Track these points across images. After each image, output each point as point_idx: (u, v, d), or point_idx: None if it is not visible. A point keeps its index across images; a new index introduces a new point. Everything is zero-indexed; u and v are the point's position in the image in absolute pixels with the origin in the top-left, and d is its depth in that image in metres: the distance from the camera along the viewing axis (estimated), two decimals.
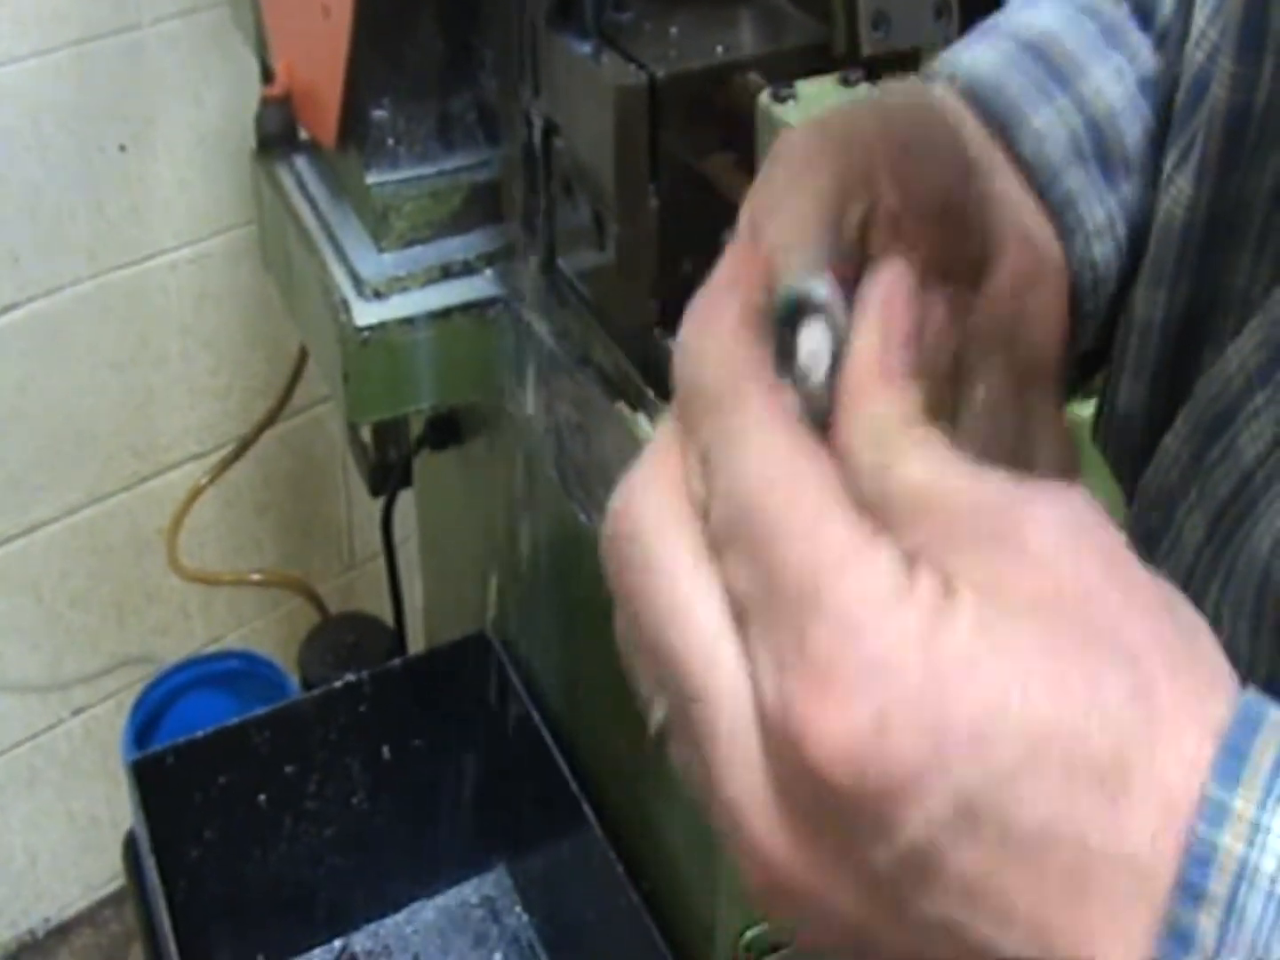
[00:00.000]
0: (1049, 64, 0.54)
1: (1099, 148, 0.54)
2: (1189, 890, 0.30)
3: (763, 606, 0.34)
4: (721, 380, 0.38)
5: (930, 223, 0.45)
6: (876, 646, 0.32)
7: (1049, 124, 0.53)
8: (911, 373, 0.37)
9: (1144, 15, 0.57)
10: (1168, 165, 0.52)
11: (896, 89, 0.55)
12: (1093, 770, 0.31)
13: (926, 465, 0.35)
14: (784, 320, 0.39)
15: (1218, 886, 0.30)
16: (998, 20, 0.58)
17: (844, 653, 0.32)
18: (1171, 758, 0.31)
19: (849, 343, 0.38)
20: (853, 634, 0.32)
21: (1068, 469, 0.50)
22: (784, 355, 0.39)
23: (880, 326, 0.38)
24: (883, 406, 0.36)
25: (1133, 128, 0.55)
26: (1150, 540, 0.49)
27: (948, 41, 1.02)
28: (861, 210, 0.44)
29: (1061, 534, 0.33)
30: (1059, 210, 0.53)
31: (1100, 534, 0.34)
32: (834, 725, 0.32)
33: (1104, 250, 0.54)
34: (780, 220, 0.43)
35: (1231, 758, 0.31)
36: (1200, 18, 0.52)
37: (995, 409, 0.48)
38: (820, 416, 0.38)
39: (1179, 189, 0.51)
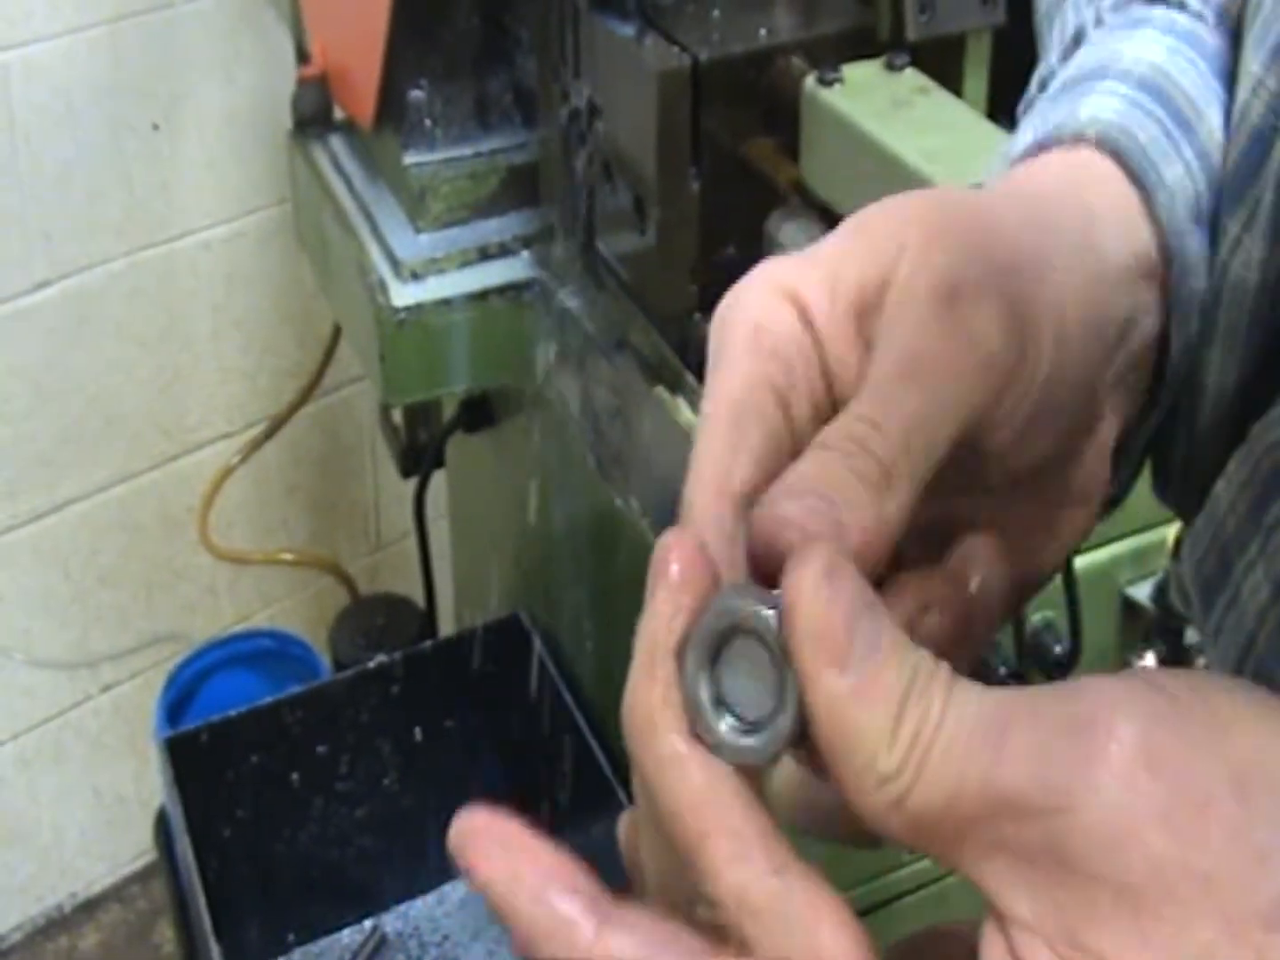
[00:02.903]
0: (1170, 107, 0.48)
1: (1214, 206, 0.48)
2: None
3: None
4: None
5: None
6: None
7: (1179, 181, 0.47)
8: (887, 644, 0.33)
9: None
10: (1234, 226, 0.47)
11: (1044, 191, 0.46)
12: None
13: (949, 779, 0.31)
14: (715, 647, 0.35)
15: None
16: (1096, 62, 0.51)
17: None
18: None
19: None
20: None
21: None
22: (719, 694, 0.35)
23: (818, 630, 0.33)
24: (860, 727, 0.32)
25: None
26: (1207, 590, 0.46)
27: (994, 27, 1.02)
28: (810, 386, 0.39)
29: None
30: (1174, 285, 0.47)
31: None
32: None
33: (1198, 323, 0.49)
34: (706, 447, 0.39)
35: None
36: (1254, 62, 0.47)
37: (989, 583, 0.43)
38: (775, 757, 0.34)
39: (1248, 251, 0.47)
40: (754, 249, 1.00)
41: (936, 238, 0.39)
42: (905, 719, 0.32)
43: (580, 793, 1.41)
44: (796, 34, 1.04)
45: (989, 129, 0.89)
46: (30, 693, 2.00)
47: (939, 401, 0.37)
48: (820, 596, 0.32)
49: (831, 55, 0.99)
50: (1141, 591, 1.15)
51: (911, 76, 0.95)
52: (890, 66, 0.95)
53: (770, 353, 0.38)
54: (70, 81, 1.73)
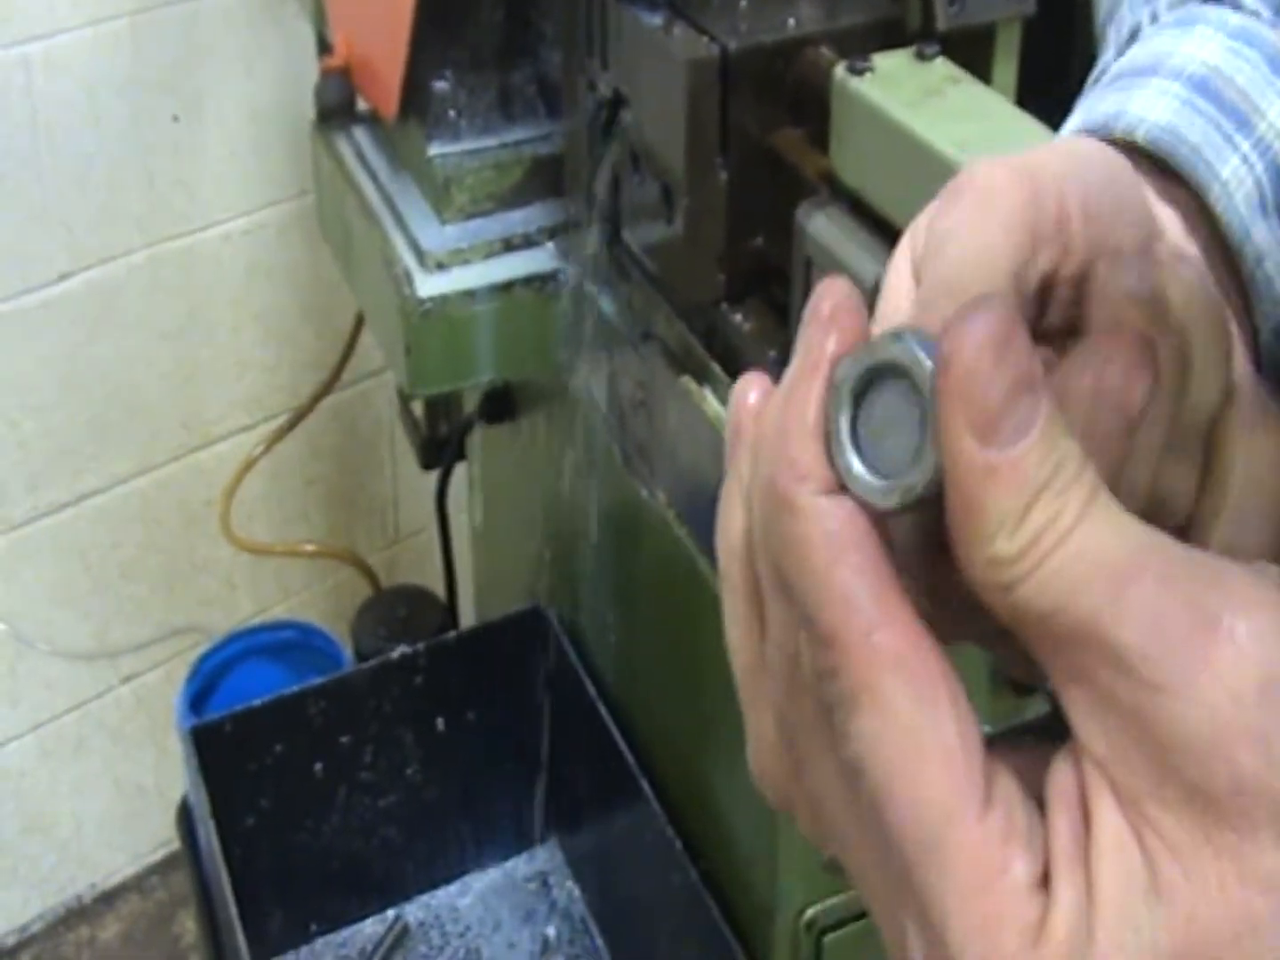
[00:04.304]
0: (1224, 105, 0.48)
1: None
2: None
3: (888, 891, 0.33)
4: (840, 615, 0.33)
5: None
6: None
7: (1236, 175, 0.47)
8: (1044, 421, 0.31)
9: None
10: None
11: (1082, 142, 0.46)
12: None
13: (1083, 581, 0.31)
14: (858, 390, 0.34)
15: None
16: (1149, 58, 0.51)
17: None
18: None
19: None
20: None
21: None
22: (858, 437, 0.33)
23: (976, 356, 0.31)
24: (1005, 494, 0.31)
25: None
26: None
27: (1024, 17, 1.02)
28: (1050, 260, 0.38)
29: None
30: (1249, 273, 0.47)
31: None
32: None
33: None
34: (955, 252, 0.37)
35: None
36: None
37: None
38: (912, 505, 0.33)
39: None
40: (782, 239, 1.00)
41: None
42: (1034, 512, 0.31)
43: (602, 784, 1.41)
44: (825, 24, 1.04)
45: (1021, 118, 0.89)
46: (51, 684, 2.01)
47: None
48: (984, 359, 0.31)
49: (860, 45, 0.99)
50: None
51: (942, 66, 0.94)
52: (920, 56, 0.95)
53: (1031, 196, 0.38)
54: (92, 74, 1.73)
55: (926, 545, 0.35)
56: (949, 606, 0.35)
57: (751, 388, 0.37)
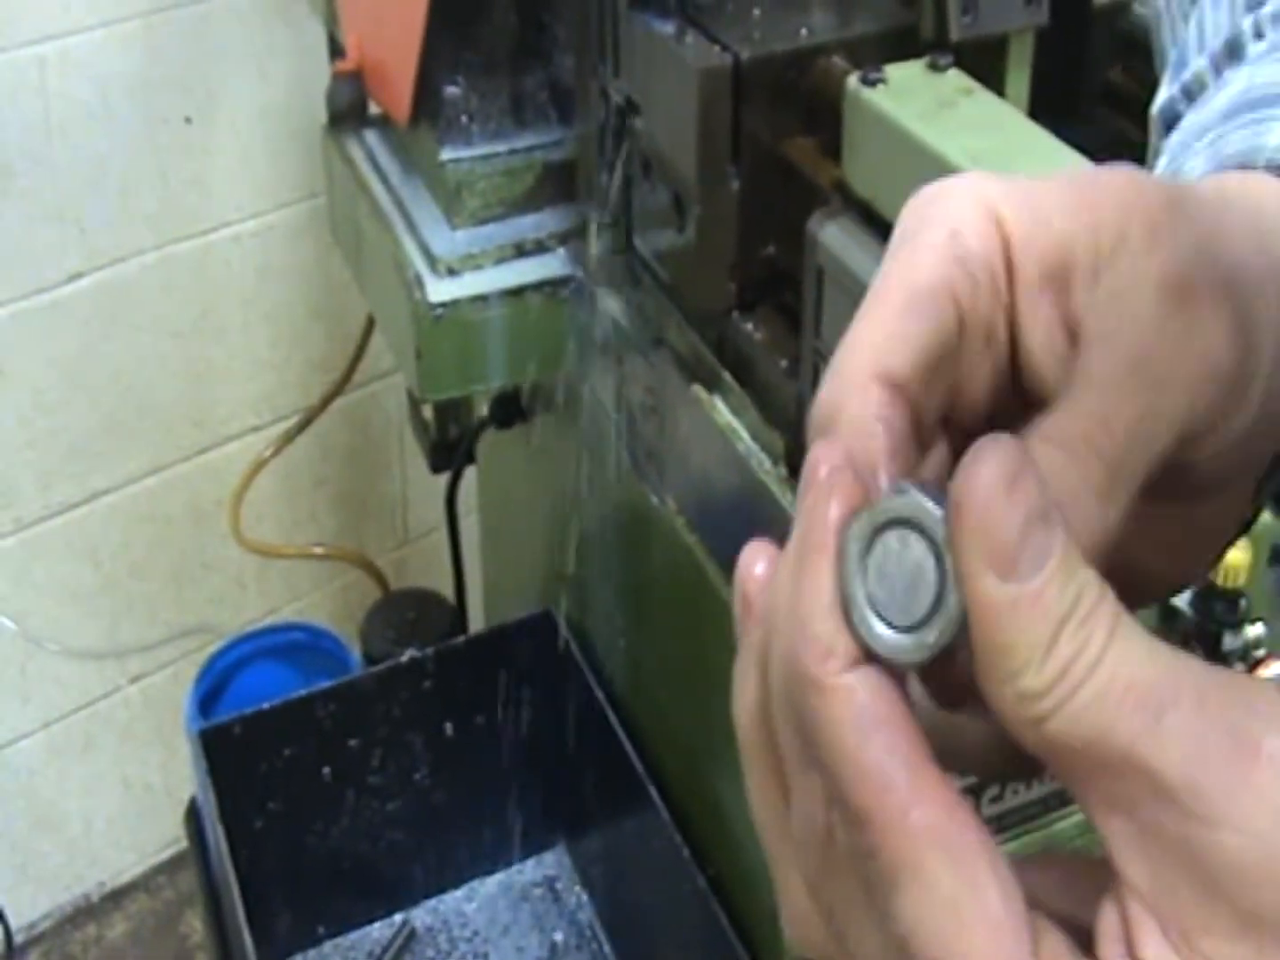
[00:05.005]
0: None
1: None
2: None
3: None
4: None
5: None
6: None
7: None
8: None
9: None
10: None
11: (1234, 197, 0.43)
12: None
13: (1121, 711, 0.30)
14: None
15: None
16: (1268, 86, 0.48)
17: None
18: None
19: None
20: None
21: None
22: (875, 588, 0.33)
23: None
24: (1029, 623, 0.31)
25: None
26: None
27: (1037, 28, 1.01)
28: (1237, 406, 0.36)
29: None
30: None
31: None
32: None
33: None
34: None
35: None
36: None
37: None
38: (928, 658, 0.32)
39: None
40: (794, 249, 1.00)
41: (1165, 230, 0.36)
42: (1060, 643, 0.30)
43: (610, 790, 1.41)
44: (838, 33, 1.04)
45: (1035, 130, 0.89)
46: (60, 683, 2.01)
47: (1165, 405, 0.35)
48: (996, 496, 0.31)
49: (873, 55, 0.99)
50: (1180, 598, 1.15)
51: (955, 77, 0.94)
52: (933, 67, 0.95)
53: (961, 263, 0.36)
54: (105, 74, 1.74)
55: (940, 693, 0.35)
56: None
57: (758, 558, 0.36)
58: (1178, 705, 0.30)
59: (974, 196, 0.37)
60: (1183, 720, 0.30)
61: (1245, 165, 0.45)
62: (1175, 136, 0.51)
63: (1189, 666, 0.31)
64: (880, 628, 0.33)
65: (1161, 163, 0.51)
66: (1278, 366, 0.38)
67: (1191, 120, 0.51)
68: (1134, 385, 0.34)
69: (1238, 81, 0.50)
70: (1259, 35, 0.51)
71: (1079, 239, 0.36)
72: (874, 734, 0.32)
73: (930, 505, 0.32)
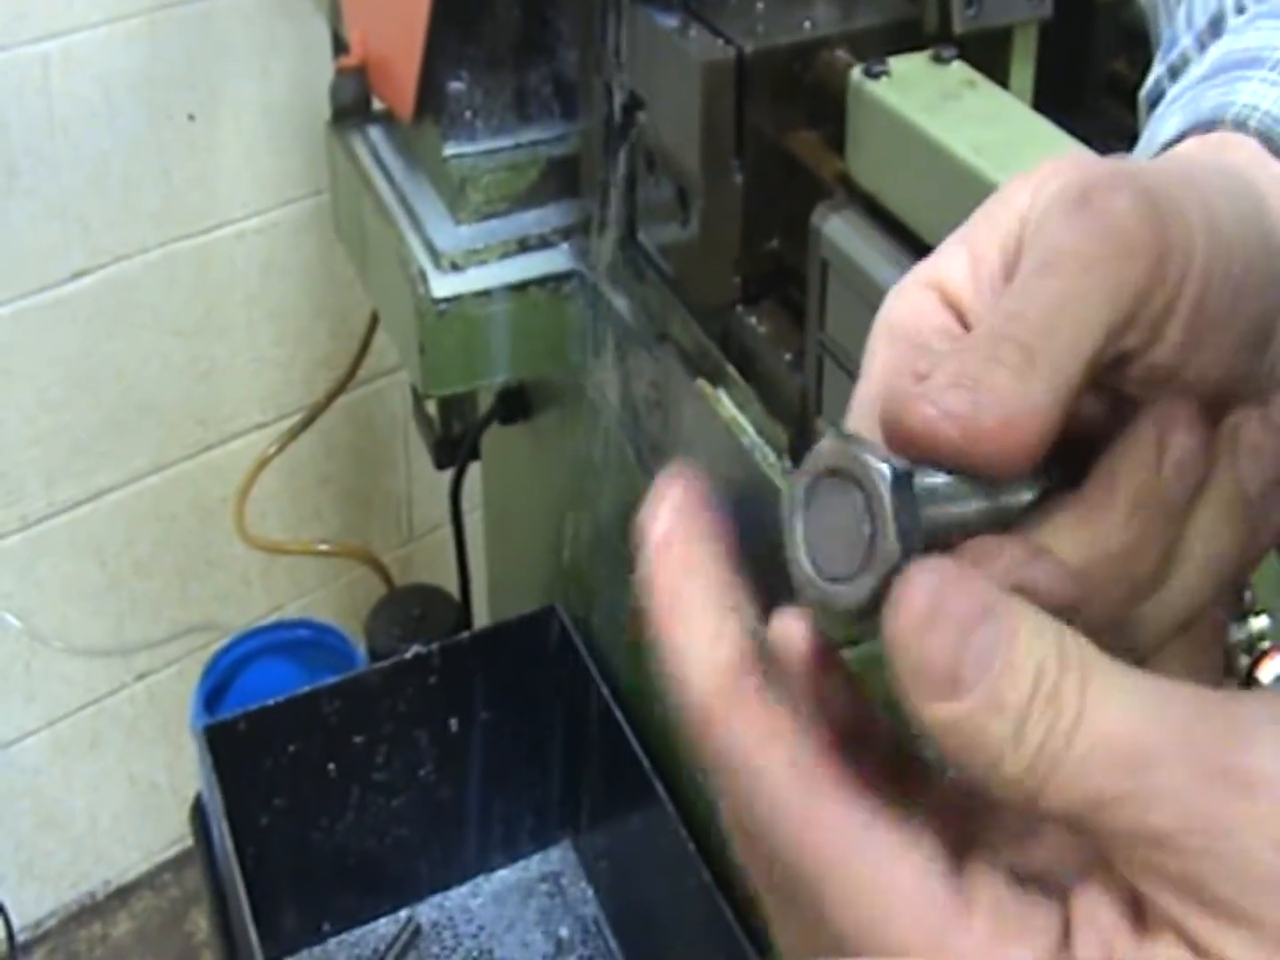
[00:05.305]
0: None
1: None
2: None
3: None
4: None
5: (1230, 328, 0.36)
6: None
7: None
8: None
9: None
10: None
11: (1195, 154, 0.43)
12: None
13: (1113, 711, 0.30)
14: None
15: None
16: (1246, 53, 0.49)
17: None
18: None
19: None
20: None
21: None
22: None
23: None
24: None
25: None
26: None
27: (1041, 20, 1.01)
28: (1140, 339, 0.35)
29: None
30: None
31: None
32: None
33: None
34: (1053, 291, 0.34)
35: None
36: None
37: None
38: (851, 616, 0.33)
39: None
40: (798, 242, 0.99)
41: (1071, 167, 0.37)
42: (1028, 729, 0.30)
43: (616, 785, 1.41)
44: (841, 26, 1.04)
45: (1039, 122, 0.89)
46: (66, 680, 2.02)
47: (1081, 287, 0.34)
48: (921, 629, 0.30)
49: (876, 48, 0.99)
50: None
51: (959, 69, 0.94)
52: (937, 59, 0.95)
53: (906, 341, 0.37)
54: (108, 71, 1.74)
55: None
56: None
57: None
58: (1162, 758, 0.30)
59: (908, 282, 0.39)
60: (1169, 773, 0.29)
61: (1214, 121, 0.46)
62: (1158, 110, 0.51)
63: (1171, 700, 0.30)
64: (815, 575, 0.33)
65: (1143, 139, 0.51)
66: (1220, 240, 0.36)
67: (1172, 93, 0.51)
68: (1045, 274, 0.34)
69: (1216, 50, 0.50)
70: (1240, 10, 0.52)
71: (1006, 226, 0.37)
72: (758, 761, 0.33)
73: (856, 451, 0.32)
